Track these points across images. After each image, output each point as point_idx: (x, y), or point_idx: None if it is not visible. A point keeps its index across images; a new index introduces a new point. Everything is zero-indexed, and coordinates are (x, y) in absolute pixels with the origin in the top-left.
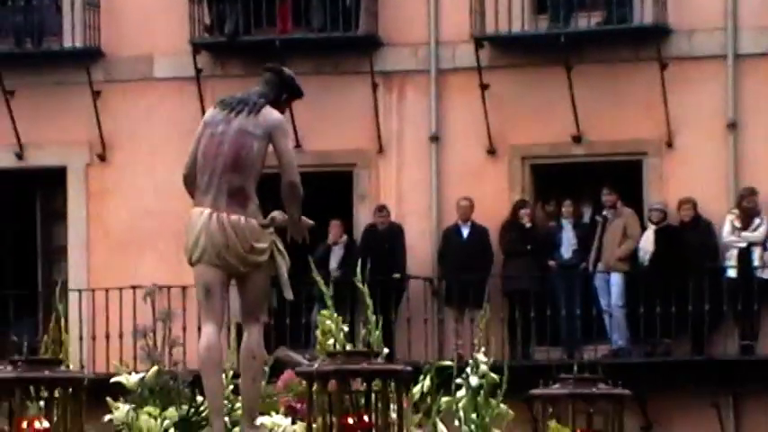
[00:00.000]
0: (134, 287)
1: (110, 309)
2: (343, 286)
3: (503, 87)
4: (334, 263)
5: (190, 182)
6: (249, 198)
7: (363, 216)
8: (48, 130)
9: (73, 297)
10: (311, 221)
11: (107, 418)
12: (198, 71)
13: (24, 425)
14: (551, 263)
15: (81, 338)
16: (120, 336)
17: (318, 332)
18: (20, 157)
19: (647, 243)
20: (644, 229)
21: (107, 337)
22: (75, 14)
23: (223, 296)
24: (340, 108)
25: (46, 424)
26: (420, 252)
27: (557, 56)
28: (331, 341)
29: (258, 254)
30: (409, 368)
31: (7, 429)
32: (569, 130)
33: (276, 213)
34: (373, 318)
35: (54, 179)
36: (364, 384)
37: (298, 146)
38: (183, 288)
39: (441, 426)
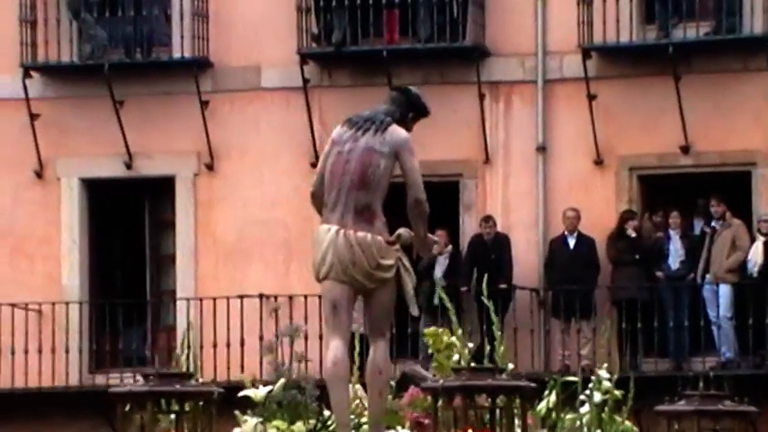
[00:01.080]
0: (241, 296)
1: (217, 317)
2: (448, 296)
3: (610, 98)
4: (439, 272)
5: (317, 199)
6: (376, 215)
7: (469, 226)
8: (156, 139)
9: (181, 306)
10: (437, 239)
11: (236, 431)
12: (305, 81)
13: None
14: (659, 274)
15: (189, 347)
16: (228, 345)
17: (430, 348)
18: (129, 166)
19: (756, 254)
20: (753, 240)
21: (214, 345)
22: (185, 25)
23: (349, 311)
24: (447, 118)
25: None
26: (526, 262)
27: (665, 66)
28: (456, 357)
29: (384, 270)
30: (533, 384)
31: None
32: (677, 140)
33: (402, 230)
34: (498, 333)
35: (162, 188)
36: (489, 400)
37: None
38: (290, 297)
39: None
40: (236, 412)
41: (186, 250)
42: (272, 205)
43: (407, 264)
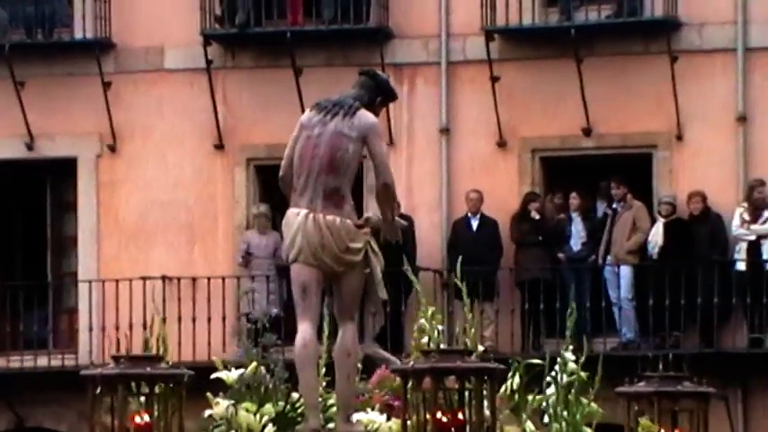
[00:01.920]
0: (144, 278)
1: (119, 300)
2: None
3: (513, 80)
4: None
5: (286, 183)
6: (344, 199)
7: (373, 207)
8: (58, 120)
9: (83, 288)
10: (405, 222)
11: (207, 413)
12: (209, 63)
13: (127, 420)
14: (561, 255)
15: (90, 330)
16: (130, 327)
17: (416, 331)
18: (30, 147)
19: (656, 236)
20: (653, 222)
21: (117, 328)
22: (87, 5)
23: (318, 294)
24: None
25: (147, 419)
26: (430, 244)
27: (567, 48)
28: (425, 339)
29: (353, 254)
30: (503, 366)
31: (109, 424)
32: (579, 122)
33: (371, 214)
34: (470, 315)
35: (64, 170)
36: (458, 382)
37: None
38: (193, 279)
39: (529, 424)
40: (209, 394)
41: (88, 232)
42: (175, 187)
43: (376, 247)
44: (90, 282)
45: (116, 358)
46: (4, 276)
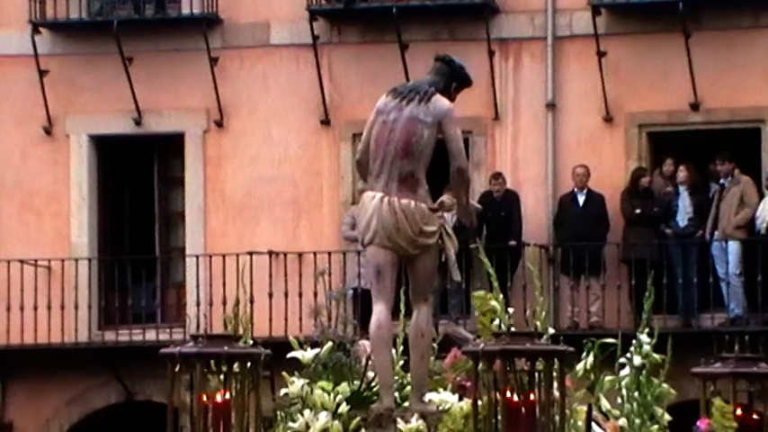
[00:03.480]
0: (250, 253)
1: (226, 274)
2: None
3: (620, 55)
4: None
5: (362, 167)
6: (419, 183)
7: (479, 184)
8: (166, 96)
9: (190, 263)
10: (479, 206)
11: (283, 391)
12: (315, 38)
13: (205, 398)
14: (668, 231)
15: (198, 304)
16: (237, 302)
17: (477, 312)
18: (138, 123)
19: (764, 211)
20: (761, 196)
21: (224, 302)
22: None
23: (393, 277)
24: None
25: (226, 396)
26: (536, 219)
27: (674, 23)
28: (496, 321)
29: (427, 236)
30: (572, 348)
31: (188, 401)
32: (687, 97)
33: (445, 198)
34: (541, 299)
35: (172, 145)
36: (528, 364)
37: None
38: (299, 254)
39: (604, 401)
40: (284, 373)
41: (195, 207)
42: (280, 162)
43: (450, 230)
44: (197, 256)
45: (195, 337)
46: (113, 251)
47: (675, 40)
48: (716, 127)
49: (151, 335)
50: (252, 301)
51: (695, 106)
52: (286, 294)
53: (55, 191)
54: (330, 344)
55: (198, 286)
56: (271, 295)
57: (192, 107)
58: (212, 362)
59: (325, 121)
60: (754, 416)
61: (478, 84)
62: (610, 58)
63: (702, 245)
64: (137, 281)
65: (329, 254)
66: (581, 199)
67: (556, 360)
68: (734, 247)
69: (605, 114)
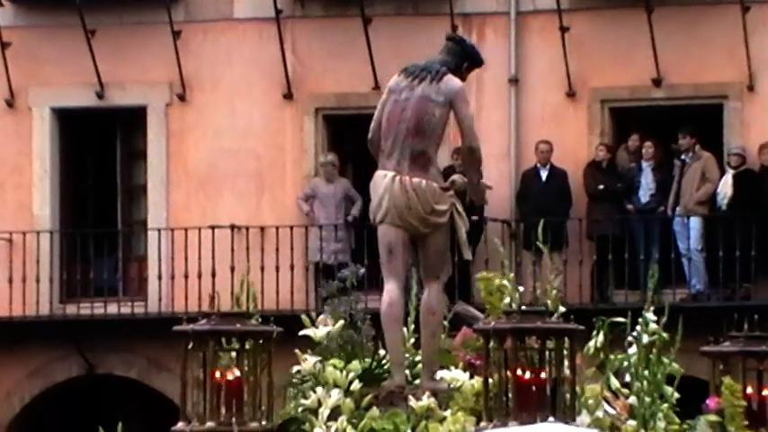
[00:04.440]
0: (213, 227)
1: (188, 248)
2: None
3: (583, 30)
4: None
5: (374, 146)
6: (431, 162)
7: (442, 158)
8: (128, 69)
9: (152, 236)
10: (490, 184)
11: (295, 369)
12: (278, 12)
13: (217, 374)
14: (629, 206)
15: (160, 278)
16: (199, 275)
17: (482, 291)
18: (100, 96)
19: (725, 187)
20: (723, 173)
21: (186, 276)
22: None
23: (404, 255)
24: (419, 49)
25: (237, 373)
26: (498, 194)
27: None
28: (507, 299)
29: (438, 215)
30: (582, 327)
31: (201, 378)
32: (650, 73)
33: (456, 177)
34: (552, 277)
35: (134, 118)
36: (539, 342)
37: (376, 87)
38: (262, 228)
39: (614, 380)
40: (297, 351)
41: (158, 180)
42: (243, 136)
43: (461, 209)
44: (159, 230)
45: (207, 314)
46: (76, 224)
47: (638, 16)
48: (679, 103)
49: (113, 308)
50: (214, 275)
51: (658, 82)
52: (248, 269)
53: (17, 163)
54: (341, 322)
55: (160, 260)
56: (233, 269)
57: (155, 80)
58: (224, 339)
59: (288, 95)
60: (764, 393)
61: None
62: (573, 33)
63: (665, 221)
64: (99, 254)
65: (291, 228)
66: (544, 174)
67: (567, 338)
68: (695, 222)
69: (568, 90)
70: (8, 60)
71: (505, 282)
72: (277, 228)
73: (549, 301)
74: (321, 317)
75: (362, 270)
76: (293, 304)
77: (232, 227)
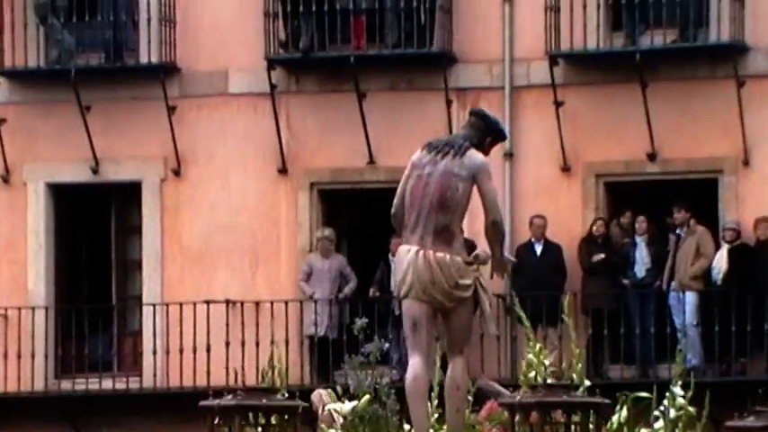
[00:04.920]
0: (207, 302)
1: (183, 323)
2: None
3: (577, 104)
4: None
5: (398, 220)
6: (454, 236)
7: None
8: (123, 144)
9: (147, 311)
10: (513, 259)
11: None
12: (272, 87)
13: None
14: (625, 281)
15: (155, 353)
16: (194, 350)
17: (524, 366)
18: (95, 171)
19: (720, 262)
20: (718, 247)
21: (181, 351)
22: (152, 30)
23: (429, 330)
24: (414, 125)
25: None
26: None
27: (632, 73)
28: (532, 373)
29: (463, 290)
30: (607, 401)
31: None
32: (644, 147)
33: (479, 251)
34: (577, 351)
35: (129, 194)
36: (564, 416)
37: (371, 162)
38: (257, 303)
39: None
40: (322, 425)
41: (152, 255)
42: (238, 211)
43: (485, 283)
44: (154, 305)
45: (233, 390)
46: (70, 300)
47: (632, 90)
48: (673, 177)
49: (107, 383)
50: (209, 350)
51: (652, 156)
52: (243, 343)
53: (12, 238)
54: (367, 396)
55: (155, 335)
56: (228, 344)
57: (150, 155)
58: (250, 414)
59: (283, 170)
60: None
61: (436, 132)
62: (567, 107)
63: (660, 295)
64: (93, 329)
65: (286, 303)
66: (538, 249)
67: (592, 412)
68: (690, 297)
69: (563, 164)
70: (3, 136)
71: (530, 356)
72: (272, 302)
73: (574, 375)
74: (315, 392)
75: (387, 345)
76: (289, 378)
77: (227, 302)
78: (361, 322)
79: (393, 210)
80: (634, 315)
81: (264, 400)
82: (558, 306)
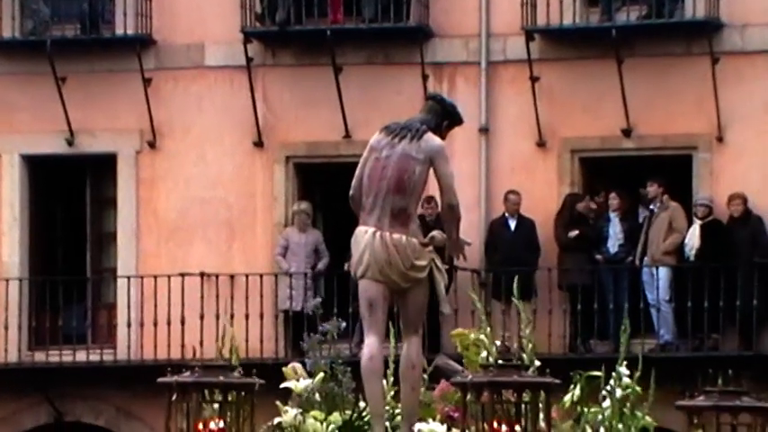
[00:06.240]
0: (182, 274)
1: (158, 296)
2: None
3: (553, 80)
4: None
5: (356, 202)
6: (411, 218)
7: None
8: (99, 116)
9: (121, 283)
10: (469, 241)
11: (276, 420)
12: (249, 60)
13: (201, 425)
14: (598, 257)
15: (129, 325)
16: (168, 323)
17: (458, 346)
18: (71, 143)
19: (693, 238)
20: (691, 223)
21: (155, 324)
22: (128, 2)
23: (384, 310)
24: (390, 98)
25: (221, 424)
26: None
27: (607, 49)
28: (484, 354)
29: (418, 270)
30: (558, 380)
31: (185, 429)
32: (619, 123)
33: (435, 233)
34: (528, 331)
35: (104, 166)
36: (515, 395)
37: (347, 136)
38: (231, 276)
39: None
40: (278, 402)
41: (128, 228)
42: (214, 184)
43: (440, 264)
44: (129, 277)
45: (191, 367)
46: (45, 271)
47: (608, 67)
48: (648, 153)
49: (81, 356)
50: (183, 323)
51: (627, 132)
52: (217, 316)
53: None
54: (322, 374)
55: (129, 307)
56: (202, 317)
57: (126, 128)
58: (207, 391)
59: (259, 143)
60: None
61: (412, 107)
62: (543, 83)
63: (634, 270)
64: (68, 301)
65: (261, 276)
66: (512, 224)
67: (542, 392)
68: (663, 273)
69: (538, 139)
70: None
71: (482, 336)
72: (247, 276)
73: (524, 355)
74: (290, 365)
75: (344, 324)
76: (263, 352)
77: (202, 275)
78: (314, 302)
79: (351, 192)
80: (608, 291)
81: (222, 377)
82: (533, 281)
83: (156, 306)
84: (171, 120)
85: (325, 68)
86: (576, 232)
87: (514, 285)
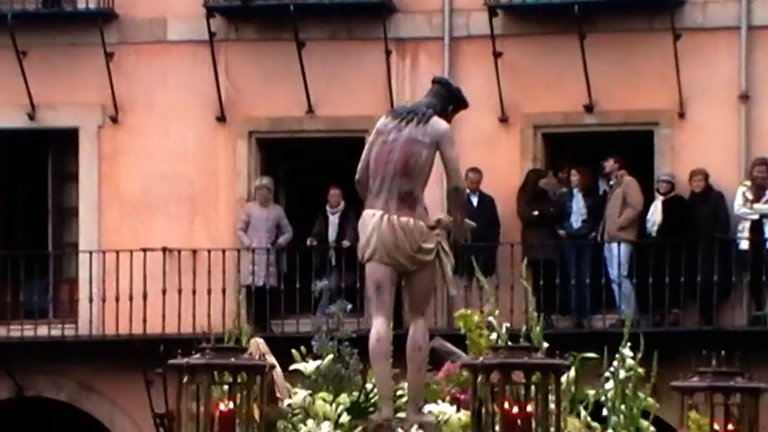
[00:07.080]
0: (144, 249)
1: (120, 271)
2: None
3: (516, 56)
4: (332, 233)
5: (362, 185)
6: (417, 201)
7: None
8: (60, 91)
9: (83, 258)
10: (473, 223)
11: (286, 402)
12: (212, 35)
13: (211, 407)
14: (561, 232)
15: (90, 300)
16: (131, 298)
17: (462, 329)
18: (32, 117)
19: (654, 214)
20: (653, 199)
21: (117, 299)
22: None
23: (392, 292)
24: (353, 74)
25: (230, 405)
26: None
27: (570, 25)
28: (494, 335)
29: (425, 253)
30: (567, 362)
31: (194, 410)
32: (582, 99)
33: (442, 216)
34: (535, 314)
35: (66, 140)
36: (525, 377)
37: (310, 111)
38: (194, 251)
39: (584, 413)
40: (287, 384)
41: (89, 203)
42: (176, 159)
43: (447, 247)
44: (90, 252)
45: (201, 349)
46: (6, 246)
47: (571, 42)
48: (610, 129)
49: (43, 330)
50: (145, 298)
51: (590, 108)
52: (180, 291)
53: None
54: (330, 356)
55: (91, 282)
56: (164, 292)
57: (87, 102)
58: (217, 373)
59: (222, 118)
60: (730, 427)
61: (375, 83)
62: (506, 58)
63: (596, 246)
64: (29, 276)
65: (224, 251)
66: (474, 201)
67: (552, 373)
68: (622, 249)
69: (501, 115)
70: None
71: (491, 318)
72: (209, 251)
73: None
74: (253, 339)
75: (350, 306)
76: (225, 327)
77: (164, 250)
78: (322, 284)
79: (357, 175)
80: (570, 266)
81: (233, 359)
82: (495, 257)
83: (117, 281)
84: (133, 94)
85: (288, 43)
86: (536, 213)
87: (474, 261)
